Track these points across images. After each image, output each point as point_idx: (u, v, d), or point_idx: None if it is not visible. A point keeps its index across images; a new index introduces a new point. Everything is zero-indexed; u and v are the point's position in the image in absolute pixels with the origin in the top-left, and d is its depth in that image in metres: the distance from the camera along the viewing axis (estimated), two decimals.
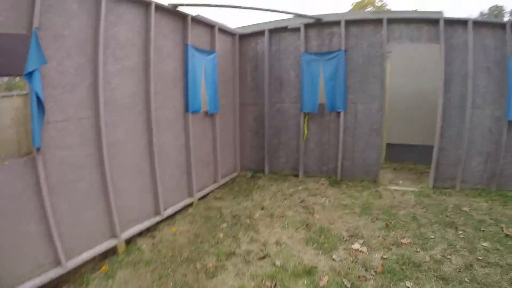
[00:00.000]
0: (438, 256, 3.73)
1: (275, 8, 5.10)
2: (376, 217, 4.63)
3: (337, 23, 5.49)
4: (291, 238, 3.94)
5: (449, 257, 3.74)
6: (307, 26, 5.62)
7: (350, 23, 5.46)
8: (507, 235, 4.28)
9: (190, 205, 4.68)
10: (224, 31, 5.55)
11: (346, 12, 7.68)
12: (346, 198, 5.20)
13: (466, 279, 3.36)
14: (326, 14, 7.29)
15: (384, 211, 4.79)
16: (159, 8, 3.91)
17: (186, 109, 4.60)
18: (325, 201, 5.06)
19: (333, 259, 3.58)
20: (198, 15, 4.67)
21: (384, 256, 3.66)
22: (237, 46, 6.06)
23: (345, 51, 5.44)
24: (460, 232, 4.28)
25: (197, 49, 4.66)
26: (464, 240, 4.10)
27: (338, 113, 5.68)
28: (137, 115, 3.73)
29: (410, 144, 7.20)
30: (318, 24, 5.56)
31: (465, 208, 4.91)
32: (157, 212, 4.05)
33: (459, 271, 3.50)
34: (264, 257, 3.47)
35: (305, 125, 5.84)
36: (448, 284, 3.23)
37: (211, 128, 5.36)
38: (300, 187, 5.60)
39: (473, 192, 5.52)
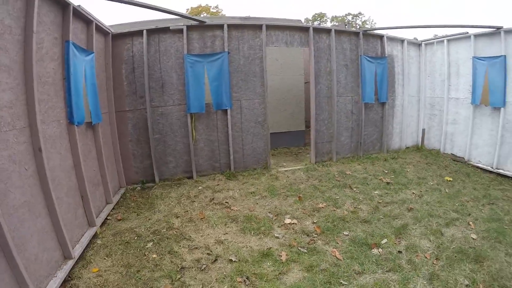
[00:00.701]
0: (351, 209, 4.57)
1: (163, 7, 4.76)
2: (285, 194, 5.10)
3: (220, 26, 5.68)
4: (226, 233, 3.93)
5: (359, 207, 4.64)
6: (189, 28, 5.55)
7: (232, 27, 5.76)
8: (387, 183, 5.46)
9: (94, 236, 3.94)
10: (98, 28, 4.81)
11: (228, 17, 7.96)
12: (249, 186, 5.47)
13: (380, 216, 4.33)
14: (207, 17, 7.30)
15: (288, 189, 5.31)
16: None
17: (71, 120, 3.76)
18: (233, 193, 5.19)
19: (277, 237, 3.81)
20: (79, 5, 3.85)
21: (314, 221, 4.20)
22: (110, 46, 5.33)
23: (228, 53, 5.70)
24: (355, 189, 5.29)
25: (77, 48, 3.90)
26: (361, 193, 5.14)
27: (225, 110, 5.91)
28: (20, 132, 2.82)
29: (280, 132, 8.29)
30: (200, 26, 5.59)
31: (348, 172, 5.98)
32: (67, 256, 3.23)
33: (373, 213, 4.45)
34: (216, 259, 3.36)
35: (192, 126, 5.79)
36: (372, 224, 4.16)
37: (94, 142, 4.60)
38: (200, 187, 5.52)
39: (347, 160, 6.82)
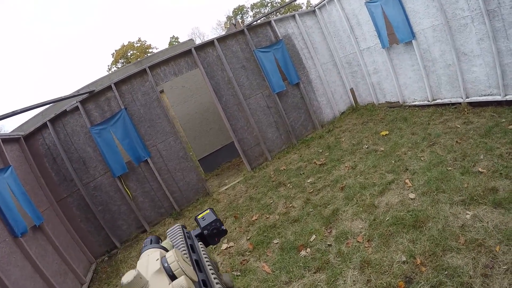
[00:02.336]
0: (284, 210, 4.57)
1: (43, 101, 5.09)
2: (225, 216, 5.28)
3: (108, 87, 6.08)
4: None
5: (291, 205, 4.64)
6: (83, 101, 6.02)
7: (119, 83, 6.14)
8: (320, 165, 5.58)
9: None
10: (7, 140, 5.33)
11: (112, 74, 7.78)
12: (193, 220, 5.58)
13: (310, 210, 4.24)
14: (95, 82, 7.18)
15: (228, 209, 5.50)
16: None
17: (14, 235, 4.25)
18: None
19: None
20: None
21: (248, 237, 4.27)
22: (26, 148, 5.77)
23: (126, 108, 6.10)
24: (289, 184, 5.35)
25: None
26: (294, 187, 5.16)
27: (146, 161, 6.30)
28: None
29: (216, 150, 8.48)
30: (92, 96, 6.05)
31: (283, 168, 5.90)
32: None
33: (303, 209, 4.39)
34: None
35: (124, 186, 6.25)
36: (301, 221, 4.05)
37: (47, 239, 5.05)
38: None
39: (282, 153, 6.74)
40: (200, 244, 0.78)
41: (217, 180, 7.46)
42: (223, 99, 6.63)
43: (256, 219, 4.61)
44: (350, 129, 6.59)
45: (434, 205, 3.31)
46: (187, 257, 0.60)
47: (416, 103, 6.34)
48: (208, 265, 0.64)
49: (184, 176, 6.51)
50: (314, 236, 3.59)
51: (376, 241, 3.16)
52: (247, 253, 3.85)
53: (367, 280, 2.77)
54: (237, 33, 6.78)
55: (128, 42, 33.21)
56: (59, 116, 5.98)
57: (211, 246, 4.12)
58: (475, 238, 2.74)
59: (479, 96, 5.19)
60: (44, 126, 5.94)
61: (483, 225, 2.86)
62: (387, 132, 5.65)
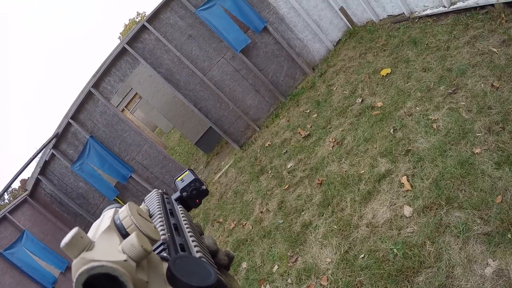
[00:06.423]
0: (259, 215, 3.70)
1: (20, 169, 5.37)
2: (214, 219, 4.57)
3: (68, 124, 5.38)
4: None
5: (266, 208, 3.71)
6: (55, 146, 5.41)
7: (75, 114, 5.32)
8: (305, 137, 4.18)
9: None
10: (16, 207, 5.44)
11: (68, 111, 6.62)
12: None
13: (279, 221, 3.31)
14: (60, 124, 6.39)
15: (218, 207, 4.71)
16: None
17: None
18: None
19: None
20: None
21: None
22: (34, 204, 5.67)
23: (91, 136, 5.44)
24: (270, 171, 4.28)
25: (10, 248, 4.84)
26: (274, 178, 4.08)
27: (132, 176, 5.71)
28: None
29: (207, 130, 7.15)
30: (60, 137, 5.40)
31: (268, 143, 4.88)
32: None
33: (275, 215, 3.43)
34: None
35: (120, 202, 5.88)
36: (271, 236, 3.23)
37: None
38: None
39: (271, 119, 5.50)
40: (180, 208, 0.62)
41: (217, 161, 6.48)
42: (180, 84, 5.34)
43: (234, 227, 3.91)
44: (345, 68, 4.67)
45: (437, 237, 1.98)
46: (160, 218, 0.48)
47: (428, 11, 3.93)
48: (187, 227, 0.51)
49: (173, 177, 5.72)
50: (276, 267, 2.84)
51: None
52: None
53: None
54: (168, 2, 4.96)
55: (129, 20, 30.13)
56: (44, 166, 5.64)
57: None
58: None
59: None
60: (38, 180, 5.73)
61: None
62: (389, 71, 3.73)
